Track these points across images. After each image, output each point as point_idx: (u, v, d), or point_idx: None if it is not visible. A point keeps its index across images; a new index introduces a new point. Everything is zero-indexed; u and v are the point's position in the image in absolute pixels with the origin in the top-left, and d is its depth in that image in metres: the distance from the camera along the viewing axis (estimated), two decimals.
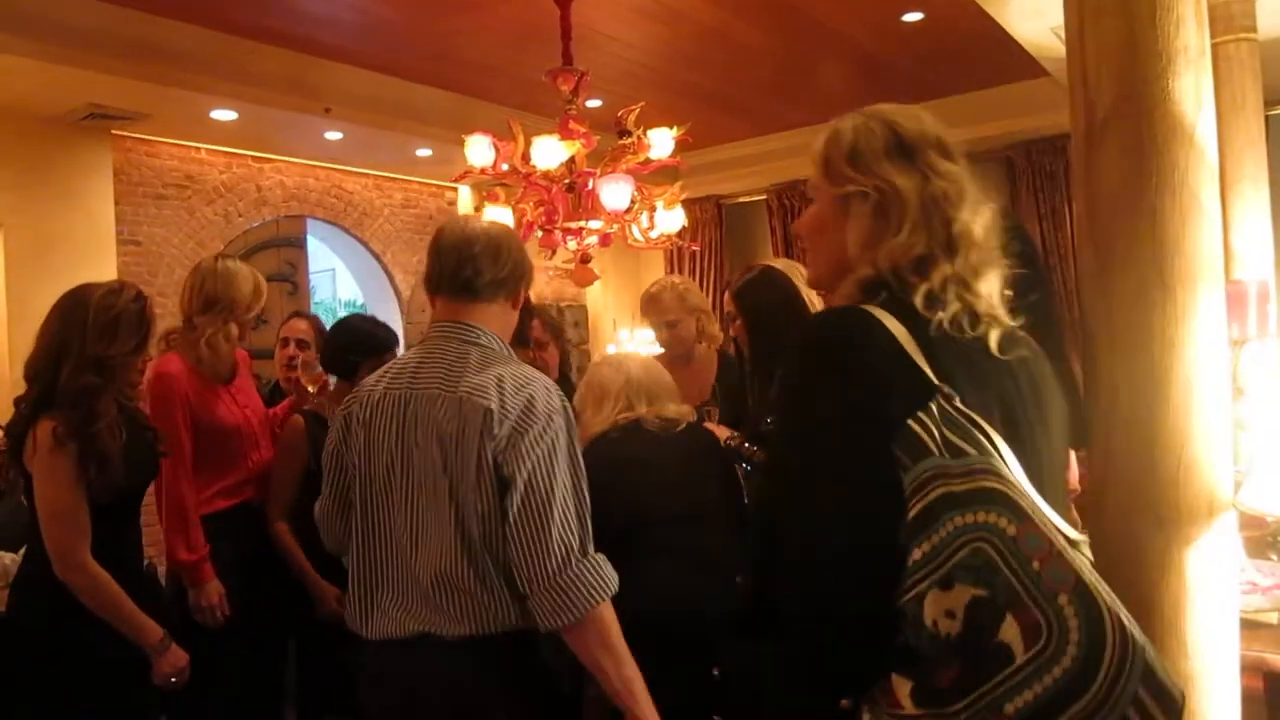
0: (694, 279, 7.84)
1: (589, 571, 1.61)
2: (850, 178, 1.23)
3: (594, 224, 4.23)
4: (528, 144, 4.07)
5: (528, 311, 2.93)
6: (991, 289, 1.23)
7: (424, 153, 6.34)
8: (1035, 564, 0.98)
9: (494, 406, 1.62)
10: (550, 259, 4.70)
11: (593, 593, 1.60)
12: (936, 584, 0.99)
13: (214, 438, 2.55)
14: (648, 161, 4.30)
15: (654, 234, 4.42)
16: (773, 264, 2.87)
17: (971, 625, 0.97)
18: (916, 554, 1.01)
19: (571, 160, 4.14)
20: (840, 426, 1.11)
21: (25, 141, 5.02)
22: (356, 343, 2.79)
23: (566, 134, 4.08)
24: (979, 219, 1.23)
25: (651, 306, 3.19)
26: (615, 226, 4.34)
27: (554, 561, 1.59)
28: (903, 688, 1.02)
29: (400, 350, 2.89)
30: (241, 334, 2.68)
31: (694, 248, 6.78)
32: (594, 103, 5.30)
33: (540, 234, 4.30)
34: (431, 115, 5.83)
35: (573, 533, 1.61)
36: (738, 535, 2.32)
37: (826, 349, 1.17)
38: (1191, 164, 1.40)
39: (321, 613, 2.65)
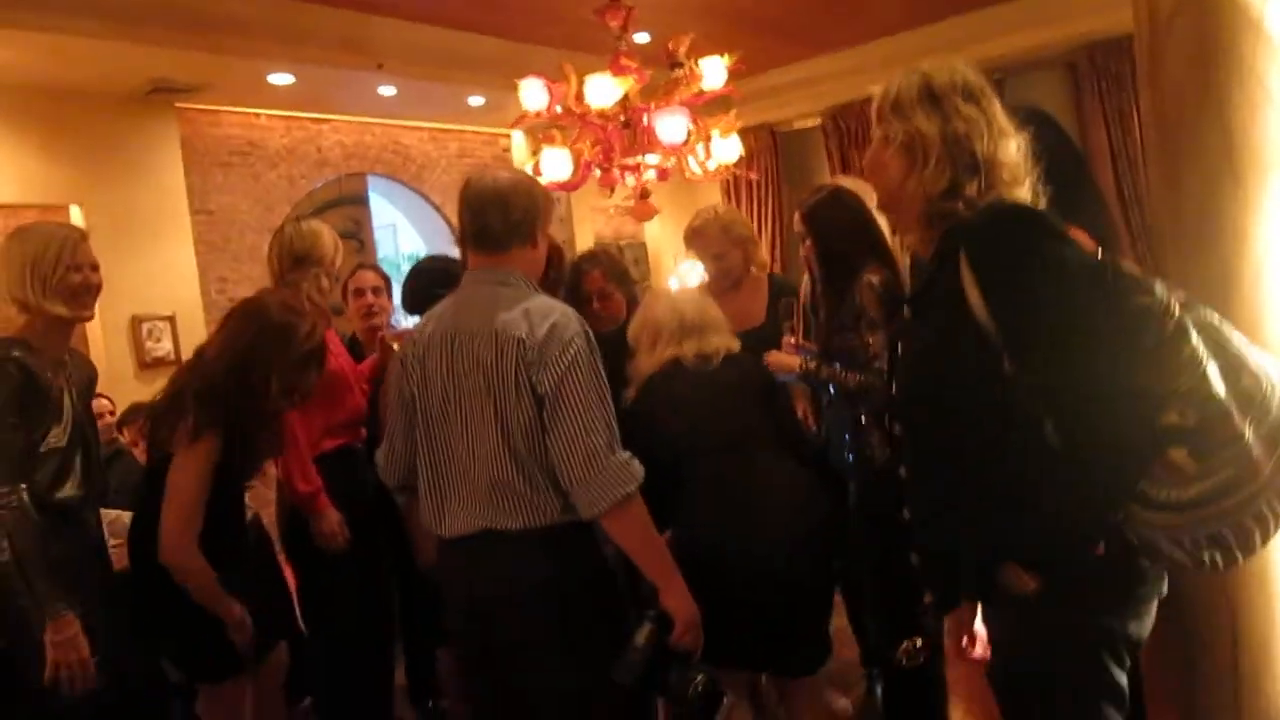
0: (751, 209, 7.79)
1: (615, 467, 1.83)
2: (889, 123, 1.50)
3: (651, 158, 4.25)
4: (580, 84, 4.09)
5: (557, 251, 2.98)
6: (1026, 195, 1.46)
7: (476, 101, 6.38)
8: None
9: (524, 335, 1.87)
10: (610, 197, 4.74)
11: (619, 484, 1.82)
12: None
13: (318, 383, 2.68)
14: (701, 92, 4.29)
15: (711, 165, 4.42)
16: (842, 183, 2.85)
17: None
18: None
19: (625, 97, 4.15)
20: (1100, 265, 1.34)
21: (95, 120, 5.19)
22: (435, 279, 2.87)
23: (618, 70, 4.09)
24: (1003, 145, 1.44)
25: (696, 240, 3.16)
26: (672, 160, 4.36)
27: (583, 458, 1.82)
28: (1180, 454, 1.28)
29: None
30: (330, 286, 2.79)
31: (752, 176, 6.72)
32: (642, 37, 5.25)
33: (598, 173, 4.34)
34: (482, 63, 5.85)
35: (599, 434, 1.83)
36: (784, 455, 2.50)
37: (1044, 217, 1.38)
38: (1260, 53, 1.39)
39: (419, 559, 2.75)
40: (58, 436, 2.15)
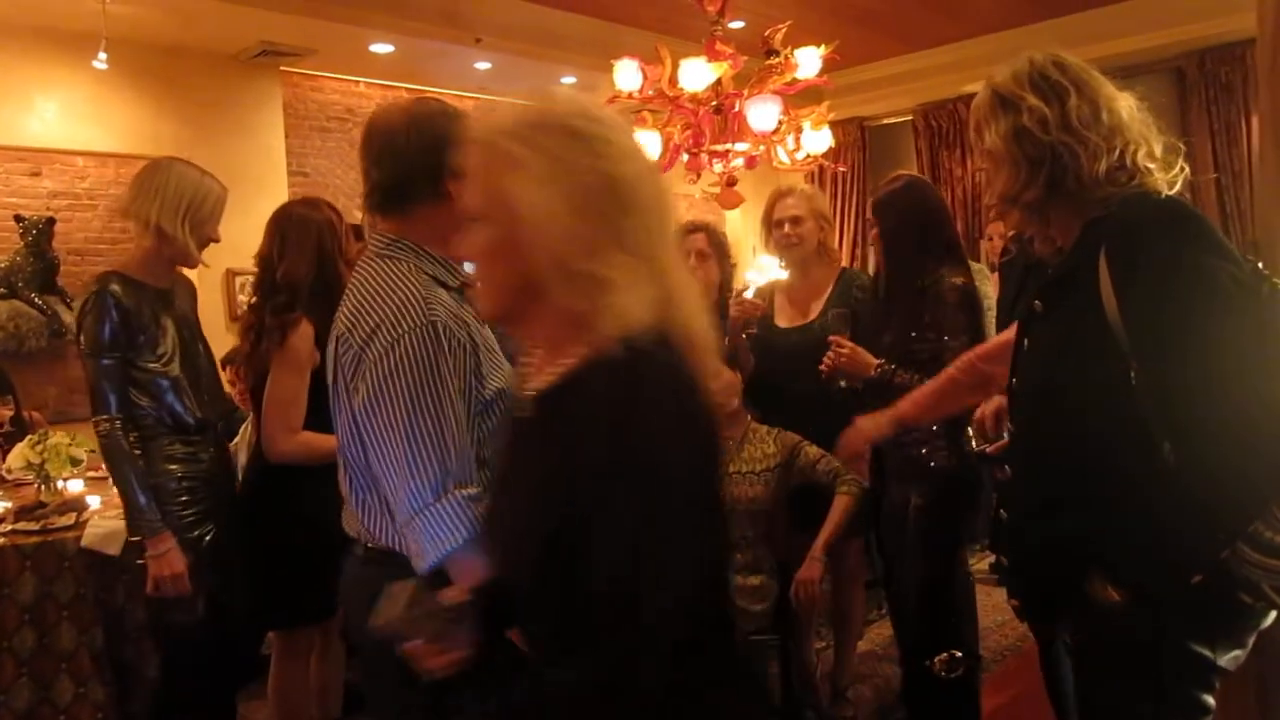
0: (836, 203, 7.73)
1: (441, 519, 1.40)
2: (977, 138, 1.51)
3: (740, 146, 4.25)
4: (675, 67, 4.10)
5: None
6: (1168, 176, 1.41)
7: (569, 80, 6.44)
8: None
9: (343, 330, 1.51)
10: (695, 183, 4.75)
11: (438, 543, 1.40)
12: None
13: None
14: (794, 82, 4.26)
15: (800, 155, 4.40)
16: (920, 178, 2.82)
17: None
18: None
19: (718, 82, 4.15)
20: (1255, 284, 1.26)
21: (204, 79, 5.39)
22: None
23: (713, 55, 4.08)
24: (1110, 118, 1.38)
25: (781, 199, 3.11)
26: (761, 148, 4.34)
27: (405, 500, 1.42)
28: None
29: None
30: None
31: (841, 169, 6.65)
32: (737, 24, 5.25)
33: (686, 157, 4.35)
34: (576, 43, 5.91)
35: (424, 473, 1.41)
36: None
37: (1198, 221, 1.32)
38: None
39: None
40: (166, 366, 2.26)
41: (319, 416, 2.37)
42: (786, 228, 3.07)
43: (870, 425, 2.23)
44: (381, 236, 1.59)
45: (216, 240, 2.37)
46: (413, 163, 1.54)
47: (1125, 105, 1.39)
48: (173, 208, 2.25)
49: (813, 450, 2.79)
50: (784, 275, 3.23)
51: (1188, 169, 1.37)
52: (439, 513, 1.40)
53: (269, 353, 2.38)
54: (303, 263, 2.41)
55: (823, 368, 2.67)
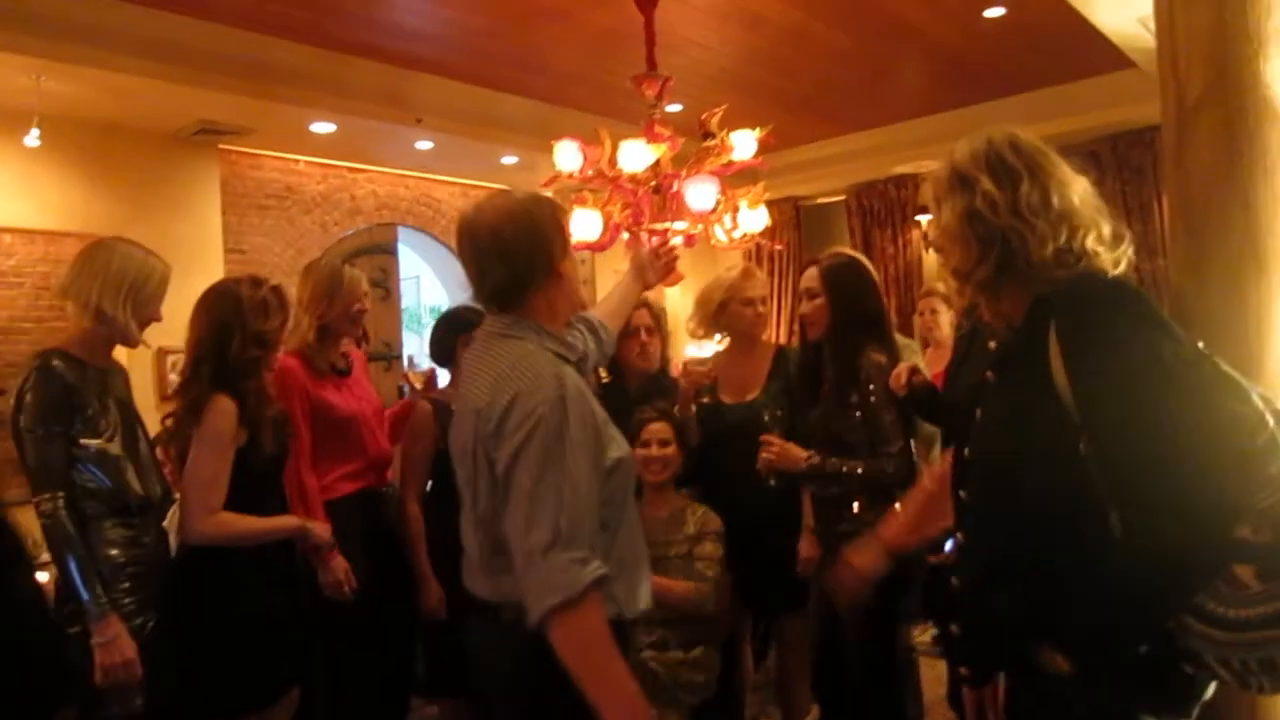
0: (772, 280, 7.89)
1: (551, 570, 1.53)
2: (935, 211, 1.56)
3: (679, 225, 4.32)
4: (614, 148, 4.19)
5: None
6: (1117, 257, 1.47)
7: (510, 160, 6.53)
8: None
9: (483, 405, 1.65)
10: None
11: (551, 591, 1.52)
12: None
13: (333, 425, 2.72)
14: (730, 163, 4.38)
15: (737, 234, 4.49)
16: (858, 256, 2.90)
17: None
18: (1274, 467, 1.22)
19: (657, 163, 4.24)
20: (1197, 362, 1.29)
21: (141, 156, 5.35)
22: (454, 328, 2.94)
23: (652, 137, 4.18)
24: (1062, 200, 1.43)
25: (750, 280, 3.17)
26: (699, 227, 4.43)
27: (522, 556, 1.56)
28: (1246, 571, 1.22)
29: None
30: (349, 329, 2.83)
31: (778, 247, 6.80)
32: (674, 107, 5.40)
33: (626, 235, 4.42)
34: (517, 123, 6.01)
35: (542, 528, 1.54)
36: None
37: (1144, 301, 1.34)
38: None
39: (423, 602, 2.76)
40: (108, 443, 2.20)
41: (247, 495, 2.36)
42: (759, 306, 3.16)
43: (867, 564, 2.05)
44: (500, 318, 1.75)
45: (158, 320, 2.35)
46: (528, 259, 1.70)
47: (1078, 189, 1.44)
48: (114, 288, 2.22)
49: (709, 548, 2.76)
50: (716, 351, 3.28)
51: (1131, 251, 1.41)
52: (547, 567, 1.53)
53: (189, 431, 2.34)
54: (207, 338, 2.38)
55: (758, 467, 2.70)
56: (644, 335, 3.17)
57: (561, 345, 1.75)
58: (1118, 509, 1.27)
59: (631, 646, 1.78)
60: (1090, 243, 1.39)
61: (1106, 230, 1.42)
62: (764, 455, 2.70)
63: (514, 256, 1.69)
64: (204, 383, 2.34)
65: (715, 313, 3.17)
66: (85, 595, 2.08)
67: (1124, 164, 6.46)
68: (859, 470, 2.57)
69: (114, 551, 2.17)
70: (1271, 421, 1.24)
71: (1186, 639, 1.25)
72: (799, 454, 2.65)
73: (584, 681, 1.53)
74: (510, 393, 1.61)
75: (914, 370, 2.59)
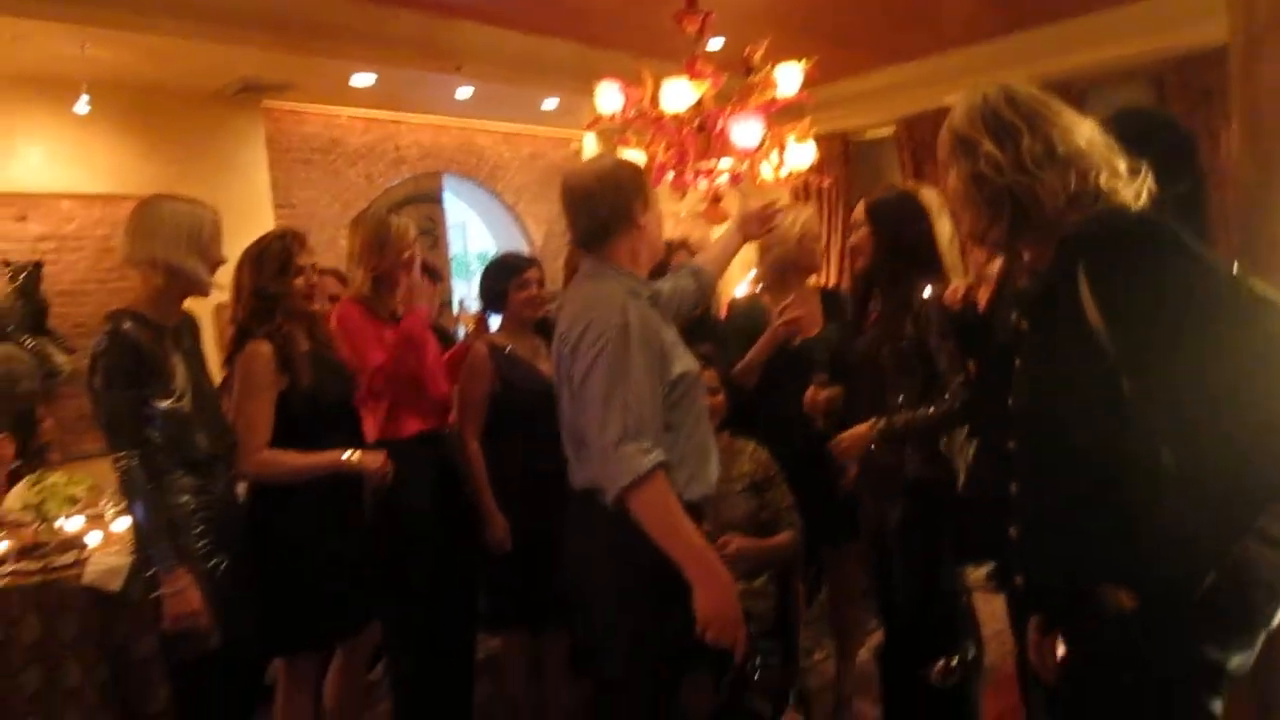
0: (821, 216, 7.77)
1: (621, 458, 1.89)
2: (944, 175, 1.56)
3: (724, 163, 4.28)
4: (656, 88, 4.13)
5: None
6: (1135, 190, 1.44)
7: (550, 104, 6.48)
8: None
9: (564, 329, 2.05)
10: (681, 202, 4.78)
11: (621, 475, 1.88)
12: None
13: (399, 368, 2.77)
14: (775, 99, 4.30)
15: (784, 171, 4.43)
16: (914, 192, 2.83)
17: None
18: None
19: (700, 101, 4.18)
20: (1233, 287, 1.29)
21: (188, 117, 5.41)
22: (501, 274, 3.00)
23: (694, 75, 4.12)
24: (1067, 144, 1.42)
25: (813, 219, 3.20)
26: (745, 165, 4.37)
27: (598, 449, 1.93)
28: None
29: (539, 269, 3.06)
30: (399, 276, 2.84)
31: (826, 183, 6.68)
32: (716, 43, 5.29)
33: (671, 176, 4.38)
34: (557, 67, 5.95)
35: (611, 427, 1.89)
36: None
37: (1170, 231, 1.31)
38: None
39: (489, 536, 2.83)
40: (177, 403, 2.27)
41: (306, 436, 2.48)
42: (807, 249, 3.14)
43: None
44: (589, 262, 2.13)
45: (224, 261, 2.39)
46: (610, 210, 2.07)
47: (1084, 132, 1.41)
48: (174, 241, 2.26)
49: (781, 494, 2.83)
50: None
51: (1151, 181, 1.38)
52: (618, 457, 1.89)
53: (233, 379, 2.46)
54: (238, 290, 2.52)
55: (834, 450, 2.68)
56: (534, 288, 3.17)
57: (635, 283, 2.09)
58: (1169, 443, 1.26)
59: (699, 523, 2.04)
60: (1105, 181, 1.38)
61: (1122, 165, 1.40)
62: (835, 451, 2.68)
63: (597, 210, 2.07)
64: (239, 331, 2.48)
65: (791, 256, 3.13)
66: (154, 550, 2.18)
67: (1190, 88, 6.17)
68: (930, 413, 2.52)
69: (185, 498, 2.25)
70: None
71: (1252, 566, 1.26)
72: (862, 431, 2.61)
73: (661, 540, 1.91)
74: (585, 322, 1.98)
75: (970, 289, 2.55)
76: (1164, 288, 1.26)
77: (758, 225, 2.59)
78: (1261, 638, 1.36)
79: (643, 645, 2.00)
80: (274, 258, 2.54)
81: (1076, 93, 6.47)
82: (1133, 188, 1.38)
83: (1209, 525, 1.25)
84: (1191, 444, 1.24)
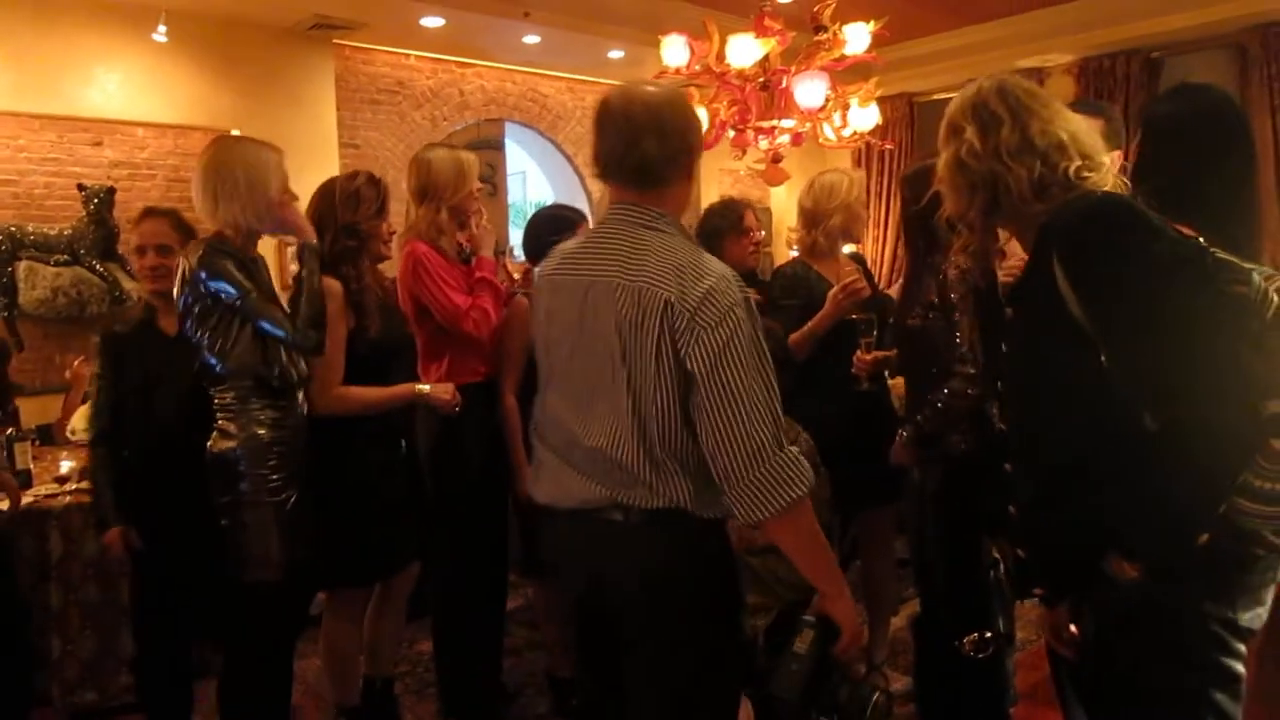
0: (881, 181, 7.67)
1: (782, 466, 1.55)
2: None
3: (787, 122, 4.25)
4: (722, 43, 4.11)
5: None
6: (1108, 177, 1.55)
7: (616, 55, 6.45)
8: None
9: (673, 297, 1.56)
10: (740, 160, 4.76)
11: (787, 486, 1.54)
12: None
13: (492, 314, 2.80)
14: (842, 58, 4.26)
15: (846, 132, 4.39)
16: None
17: None
18: None
19: (765, 58, 4.15)
20: (1198, 256, 1.38)
21: (261, 51, 5.49)
22: (551, 227, 2.94)
23: (762, 31, 4.09)
24: (1048, 136, 1.52)
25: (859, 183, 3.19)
26: (807, 125, 4.35)
27: (746, 455, 1.54)
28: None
29: (588, 225, 2.98)
30: (469, 213, 2.86)
31: (889, 146, 6.58)
32: None
33: (732, 134, 4.37)
34: (625, 17, 5.91)
35: (764, 426, 1.54)
36: None
37: (1132, 209, 1.42)
38: None
39: (518, 490, 2.86)
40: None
41: (372, 378, 2.57)
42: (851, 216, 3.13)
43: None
44: (638, 207, 1.68)
45: (296, 200, 2.47)
46: (681, 139, 1.68)
47: (1067, 128, 1.50)
48: (253, 203, 2.32)
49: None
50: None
51: (1118, 168, 1.49)
52: (778, 464, 1.54)
53: None
54: (325, 226, 2.56)
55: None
56: (757, 234, 3.23)
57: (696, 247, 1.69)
58: (1149, 409, 1.34)
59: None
60: (1074, 171, 1.46)
61: (1104, 158, 1.50)
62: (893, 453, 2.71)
63: (669, 135, 1.66)
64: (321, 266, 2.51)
65: (847, 223, 3.10)
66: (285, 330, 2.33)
67: (1274, 58, 5.96)
68: (959, 402, 2.51)
69: (261, 431, 2.33)
70: (1276, 297, 1.35)
71: (1241, 520, 1.31)
72: (897, 446, 2.67)
73: (812, 565, 1.69)
74: (704, 285, 1.56)
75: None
76: (1128, 260, 1.35)
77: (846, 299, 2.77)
78: (1270, 593, 1.42)
79: (722, 660, 1.73)
80: (370, 200, 2.61)
81: (1153, 61, 6.28)
82: (1100, 175, 1.47)
83: (1195, 486, 1.31)
84: (1170, 406, 1.31)
